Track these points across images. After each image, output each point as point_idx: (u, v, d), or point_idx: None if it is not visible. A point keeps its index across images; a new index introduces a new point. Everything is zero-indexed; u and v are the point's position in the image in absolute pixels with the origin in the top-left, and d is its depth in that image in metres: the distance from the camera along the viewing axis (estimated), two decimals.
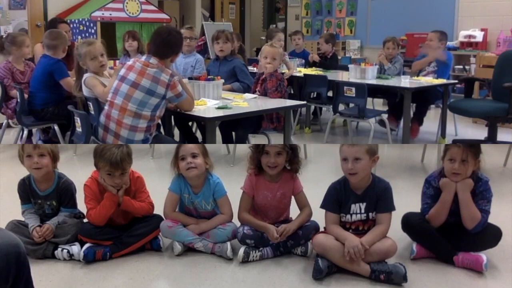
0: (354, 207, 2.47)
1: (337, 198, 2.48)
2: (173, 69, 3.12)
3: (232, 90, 4.11)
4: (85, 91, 3.42)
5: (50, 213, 2.73)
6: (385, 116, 5.06)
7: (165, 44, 3.08)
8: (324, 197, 2.53)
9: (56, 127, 4.16)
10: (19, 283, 1.49)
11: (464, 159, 2.39)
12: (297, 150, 2.67)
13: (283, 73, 5.11)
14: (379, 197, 2.45)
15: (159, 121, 3.46)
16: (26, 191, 2.72)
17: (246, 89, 4.07)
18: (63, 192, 2.71)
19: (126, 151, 2.55)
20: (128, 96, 2.99)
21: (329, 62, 6.27)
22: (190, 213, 2.74)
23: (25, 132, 4.30)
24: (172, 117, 3.93)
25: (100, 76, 3.43)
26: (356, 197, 2.47)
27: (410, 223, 2.58)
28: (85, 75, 3.43)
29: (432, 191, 2.54)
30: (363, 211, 2.46)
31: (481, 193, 2.45)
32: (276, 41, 5.41)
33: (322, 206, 2.53)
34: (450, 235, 2.49)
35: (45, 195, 2.71)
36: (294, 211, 2.73)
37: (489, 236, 2.49)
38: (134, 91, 2.98)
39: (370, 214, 2.47)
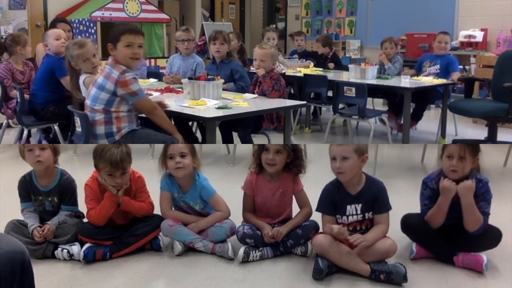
0: (350, 208, 2.46)
1: (331, 200, 2.48)
2: (129, 69, 2.92)
3: (226, 89, 4.09)
4: (84, 92, 3.43)
5: (51, 210, 2.73)
6: (385, 116, 5.08)
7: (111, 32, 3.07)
8: (318, 200, 2.53)
9: (56, 127, 4.16)
10: None
11: (462, 155, 2.39)
12: (300, 152, 2.67)
13: (284, 73, 5.12)
14: (375, 199, 2.44)
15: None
16: (27, 188, 2.73)
17: (241, 91, 4.06)
18: (65, 189, 2.72)
19: (125, 150, 2.55)
20: (88, 94, 3.04)
21: (330, 61, 6.29)
22: (186, 211, 2.74)
23: (25, 132, 4.31)
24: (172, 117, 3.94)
25: (95, 75, 3.44)
26: (351, 198, 2.46)
27: (409, 224, 2.58)
28: (83, 76, 3.45)
29: (429, 192, 2.53)
30: (359, 212, 2.46)
31: (482, 195, 2.43)
32: (266, 41, 5.40)
33: (317, 209, 2.53)
34: (450, 236, 2.49)
35: (46, 191, 2.71)
36: (297, 209, 2.72)
37: (489, 237, 2.48)
38: (92, 88, 3.01)
39: (366, 214, 2.47)
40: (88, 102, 3.01)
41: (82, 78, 3.45)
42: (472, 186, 2.39)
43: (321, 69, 6.08)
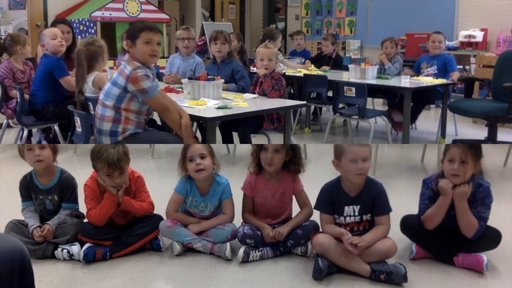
0: (348, 210, 2.46)
1: (330, 199, 2.48)
2: (143, 66, 2.88)
3: (227, 90, 4.09)
4: (90, 91, 3.41)
5: (51, 209, 2.74)
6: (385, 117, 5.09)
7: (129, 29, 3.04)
8: (317, 198, 2.53)
9: (56, 127, 4.17)
10: None
11: (464, 160, 2.37)
12: (298, 151, 2.67)
13: (284, 73, 5.12)
14: (374, 201, 2.44)
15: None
16: (28, 187, 2.73)
17: (241, 91, 4.06)
18: (65, 187, 2.72)
19: (122, 150, 2.55)
20: (103, 89, 3.01)
21: (334, 62, 6.30)
22: (191, 216, 2.73)
23: (25, 132, 4.31)
24: None
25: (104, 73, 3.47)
26: (349, 199, 2.46)
27: (409, 226, 2.57)
28: (92, 75, 3.43)
29: (430, 193, 2.52)
30: (357, 213, 2.46)
31: (481, 199, 2.41)
32: (271, 42, 5.39)
33: (316, 208, 2.54)
34: (450, 238, 2.48)
35: (46, 190, 2.71)
36: (297, 210, 2.72)
37: (489, 239, 2.47)
38: (107, 84, 2.99)
39: (364, 216, 2.46)
40: (101, 96, 2.99)
41: (91, 76, 3.44)
42: (468, 191, 2.37)
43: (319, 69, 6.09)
